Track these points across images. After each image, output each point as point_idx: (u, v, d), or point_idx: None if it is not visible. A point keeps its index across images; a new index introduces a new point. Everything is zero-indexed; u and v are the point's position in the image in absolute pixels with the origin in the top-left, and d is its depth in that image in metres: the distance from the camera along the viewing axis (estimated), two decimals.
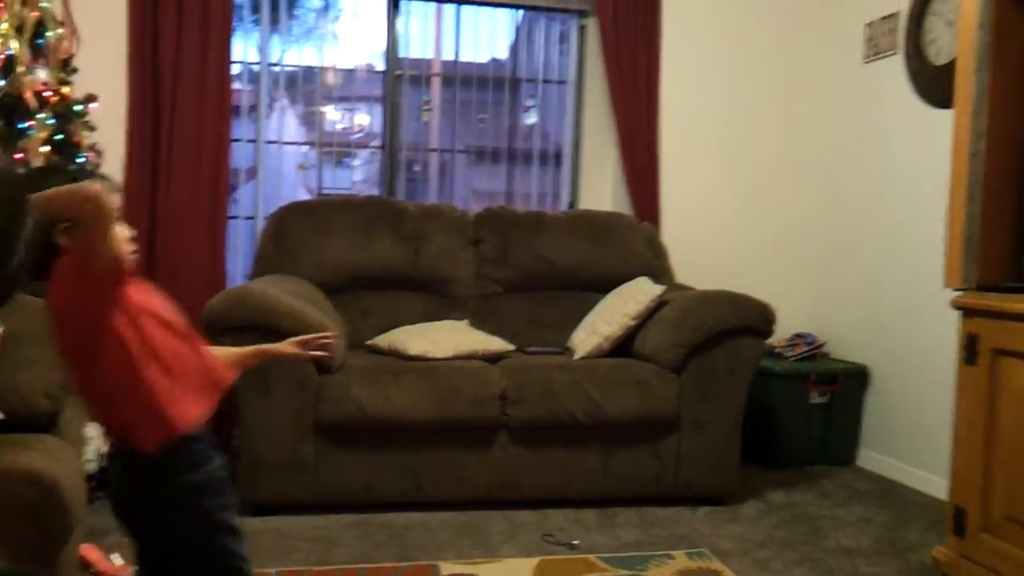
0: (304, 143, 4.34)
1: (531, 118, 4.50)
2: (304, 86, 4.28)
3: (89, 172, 1.84)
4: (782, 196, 4.41)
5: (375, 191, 4.39)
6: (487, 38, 4.36)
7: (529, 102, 4.49)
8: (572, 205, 4.41)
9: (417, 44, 4.31)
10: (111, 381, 1.46)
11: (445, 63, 4.39)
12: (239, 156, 4.03)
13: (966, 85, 2.47)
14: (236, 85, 3.96)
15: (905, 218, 3.73)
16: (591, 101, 4.35)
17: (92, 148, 3.27)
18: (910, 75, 3.70)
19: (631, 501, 3.21)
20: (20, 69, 2.95)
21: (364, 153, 4.82)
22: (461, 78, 4.37)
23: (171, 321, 1.55)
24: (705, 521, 3.08)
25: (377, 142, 4.44)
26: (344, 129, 4.60)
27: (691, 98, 4.30)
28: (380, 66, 4.29)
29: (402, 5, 4.21)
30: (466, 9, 4.28)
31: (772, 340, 3.68)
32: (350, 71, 4.41)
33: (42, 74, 3.08)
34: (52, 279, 1.42)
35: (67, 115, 3.09)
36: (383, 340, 3.36)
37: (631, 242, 3.90)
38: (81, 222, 1.34)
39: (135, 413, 1.46)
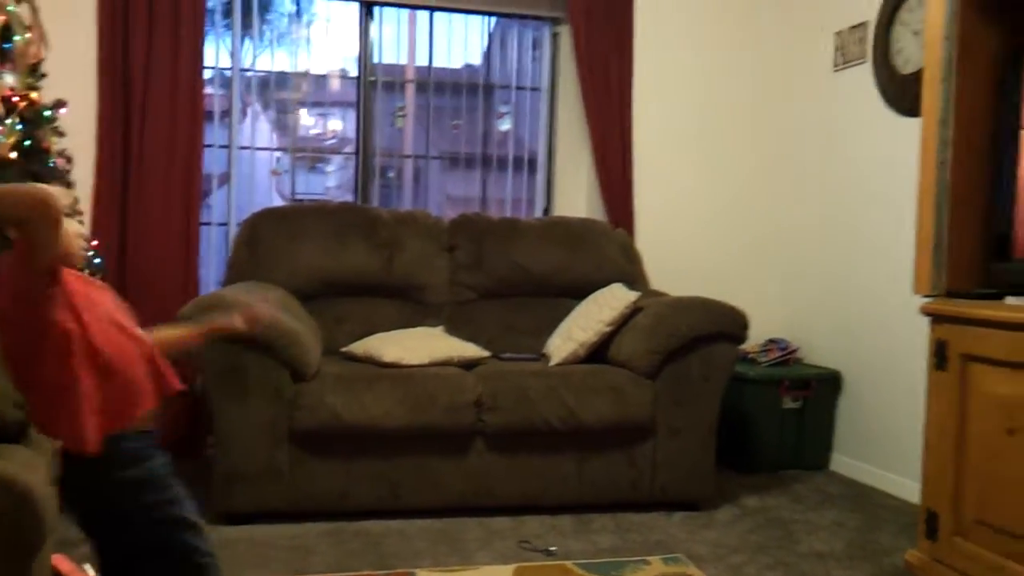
0: (277, 149, 4.32)
1: (505, 124, 4.51)
2: (277, 91, 4.26)
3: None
4: (755, 202, 4.45)
5: (349, 197, 4.38)
6: (461, 45, 4.36)
7: (503, 108, 4.50)
8: (547, 211, 4.43)
9: (391, 50, 4.31)
10: (49, 379, 1.46)
11: (419, 69, 4.39)
12: (211, 162, 4.00)
13: (933, 94, 2.51)
14: (208, 90, 3.93)
15: (876, 225, 3.77)
16: (565, 108, 4.37)
17: (61, 154, 3.22)
18: (879, 84, 3.75)
19: (607, 507, 3.22)
20: None
21: (338, 159, 4.80)
22: (435, 84, 4.37)
23: (117, 320, 1.55)
24: (680, 526, 3.10)
25: (351, 148, 4.42)
26: (317, 135, 4.59)
27: (664, 105, 4.33)
28: (354, 72, 4.27)
29: (375, 11, 4.20)
30: (439, 16, 4.28)
31: (746, 346, 3.71)
32: (323, 77, 4.39)
33: (9, 79, 3.03)
34: None
35: (36, 120, 3.04)
36: (358, 347, 3.34)
37: (605, 248, 3.92)
38: (29, 222, 1.35)
39: (68, 411, 1.47)
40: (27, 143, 2.98)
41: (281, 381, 2.92)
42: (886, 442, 3.67)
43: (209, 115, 3.92)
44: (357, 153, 4.26)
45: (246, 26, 4.05)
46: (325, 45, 4.35)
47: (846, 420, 3.95)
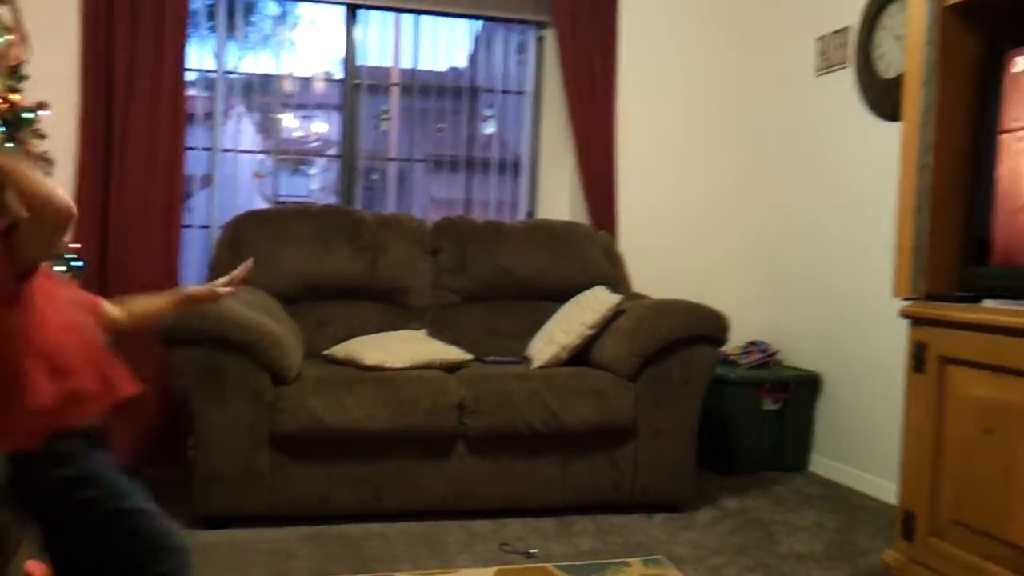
0: (260, 151, 4.30)
1: (490, 127, 4.51)
2: (261, 94, 4.25)
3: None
4: (737, 205, 4.47)
5: (332, 199, 4.37)
6: (446, 48, 4.36)
7: (487, 111, 4.50)
8: (530, 214, 4.44)
9: (375, 53, 4.31)
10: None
11: (403, 72, 4.38)
12: (194, 164, 3.99)
13: (914, 99, 2.53)
14: (191, 92, 3.92)
15: (856, 228, 3.80)
16: (549, 111, 4.38)
17: (43, 156, 3.21)
18: (861, 88, 3.78)
19: (588, 509, 3.23)
20: None
21: (321, 161, 4.79)
22: (420, 87, 4.37)
23: (74, 320, 1.54)
24: (661, 528, 3.11)
25: (334, 150, 4.42)
26: (301, 137, 4.58)
27: (648, 109, 4.34)
28: (338, 74, 4.27)
29: (360, 14, 4.20)
30: (425, 19, 4.28)
31: (727, 348, 3.74)
32: (307, 79, 4.39)
33: None
34: None
35: (17, 123, 3.03)
36: (340, 350, 3.34)
37: (588, 251, 3.93)
38: (38, 218, 1.35)
39: (12, 410, 1.46)
40: (8, 145, 2.97)
41: (261, 384, 2.91)
42: (865, 443, 3.69)
43: (192, 117, 3.91)
44: (341, 156, 4.26)
45: (230, 28, 4.04)
46: (310, 47, 4.34)
47: (825, 422, 3.97)
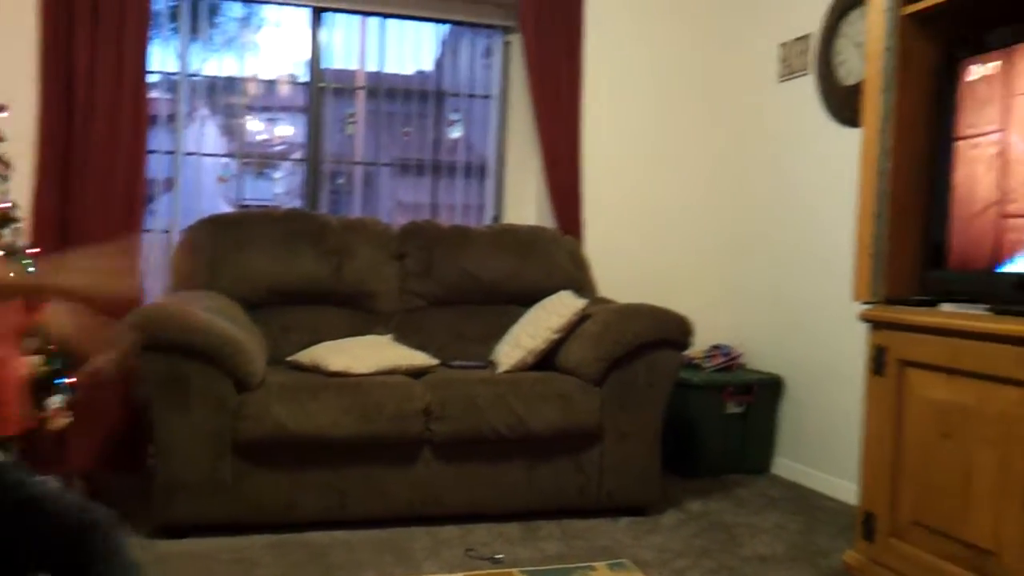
0: (224, 155, 4.26)
1: (456, 131, 4.51)
2: (225, 96, 4.21)
3: None
4: (701, 210, 4.51)
5: (297, 203, 4.34)
6: (412, 51, 4.35)
7: (454, 115, 4.50)
8: (496, 218, 4.44)
9: (341, 56, 4.28)
10: None
11: (369, 75, 4.37)
12: (156, 167, 3.94)
13: (873, 105, 2.57)
14: (154, 94, 3.87)
15: (818, 233, 3.84)
16: (515, 115, 4.39)
17: (0, 159, 3.16)
18: (822, 95, 3.83)
19: (554, 514, 3.23)
20: None
21: (286, 165, 4.75)
22: (386, 90, 4.35)
23: None
24: (626, 532, 3.12)
25: (300, 154, 4.39)
26: (266, 140, 4.54)
27: (613, 114, 4.37)
28: (303, 77, 4.24)
29: (325, 17, 4.18)
30: (391, 22, 4.27)
31: (690, 351, 3.77)
32: (272, 82, 4.35)
33: None
34: None
35: None
36: (304, 356, 3.31)
37: (554, 256, 3.94)
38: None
39: None
40: None
41: (224, 391, 2.88)
42: (826, 445, 3.74)
43: (154, 120, 3.87)
44: (306, 159, 4.23)
45: (194, 30, 4.00)
46: (274, 50, 4.31)
47: (788, 424, 4.01)
